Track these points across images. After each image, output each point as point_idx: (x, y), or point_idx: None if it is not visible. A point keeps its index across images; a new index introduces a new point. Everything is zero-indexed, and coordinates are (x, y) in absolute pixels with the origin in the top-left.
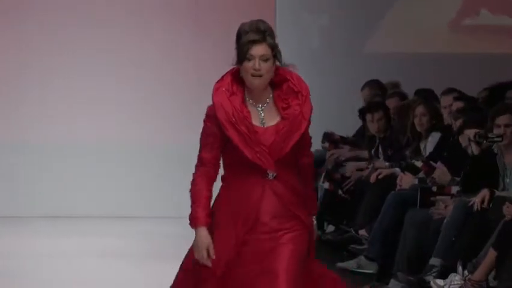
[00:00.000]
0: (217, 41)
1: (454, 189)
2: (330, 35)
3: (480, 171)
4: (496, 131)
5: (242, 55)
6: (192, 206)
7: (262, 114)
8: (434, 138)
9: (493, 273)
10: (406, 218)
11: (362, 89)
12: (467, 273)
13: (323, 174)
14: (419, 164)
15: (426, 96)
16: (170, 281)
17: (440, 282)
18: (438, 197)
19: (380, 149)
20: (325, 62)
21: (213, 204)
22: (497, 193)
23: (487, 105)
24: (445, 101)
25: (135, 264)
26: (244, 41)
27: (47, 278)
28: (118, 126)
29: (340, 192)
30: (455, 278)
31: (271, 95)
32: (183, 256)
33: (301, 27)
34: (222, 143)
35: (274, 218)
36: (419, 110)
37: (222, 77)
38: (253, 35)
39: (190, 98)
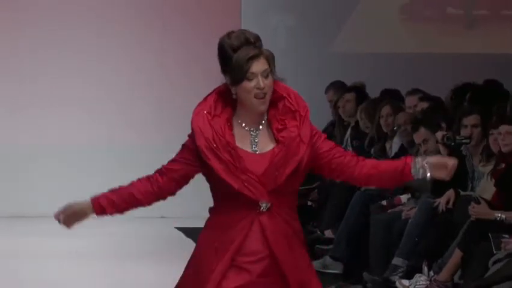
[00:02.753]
0: (183, 41)
1: (404, 198)
2: (296, 35)
3: None
4: (463, 132)
5: (241, 74)
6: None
7: (256, 140)
8: (399, 138)
9: (458, 273)
10: (372, 218)
11: (326, 91)
12: (432, 274)
13: None
14: None
15: (392, 96)
16: (134, 281)
17: (405, 282)
18: (390, 210)
19: (349, 140)
20: (291, 62)
21: (199, 237)
22: (462, 193)
23: (452, 105)
24: (410, 101)
25: (99, 265)
26: (241, 58)
27: (6, 278)
28: (79, 127)
29: (308, 202)
30: (421, 279)
31: (266, 117)
32: (148, 255)
33: (268, 28)
34: (193, 172)
35: (255, 262)
36: (385, 110)
37: (206, 97)
38: (249, 49)
39: (153, 98)
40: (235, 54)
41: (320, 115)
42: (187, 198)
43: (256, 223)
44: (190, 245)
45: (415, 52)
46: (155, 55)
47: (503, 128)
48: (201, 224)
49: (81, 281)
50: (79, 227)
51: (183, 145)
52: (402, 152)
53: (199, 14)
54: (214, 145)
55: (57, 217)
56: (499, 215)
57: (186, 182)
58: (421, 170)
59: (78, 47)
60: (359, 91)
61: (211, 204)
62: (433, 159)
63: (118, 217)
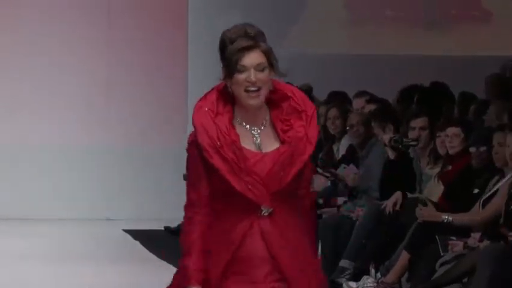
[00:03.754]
0: (130, 42)
1: (340, 200)
2: None
3: (396, 176)
4: (411, 135)
5: (232, 66)
6: (182, 259)
7: (259, 139)
8: (346, 141)
9: (406, 275)
10: (320, 221)
11: None
12: (380, 276)
13: None
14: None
15: (340, 99)
16: (80, 283)
17: (352, 284)
18: (324, 210)
19: None
20: None
21: None
22: (410, 196)
23: (400, 107)
24: (357, 103)
25: (43, 267)
26: (233, 49)
27: None
28: (29, 128)
29: None
30: (368, 281)
31: (268, 116)
32: (94, 257)
33: (214, 28)
34: (209, 174)
35: (252, 268)
36: (332, 112)
37: (205, 94)
38: (243, 41)
39: (99, 99)
40: (230, 46)
41: None
42: (134, 200)
43: (255, 226)
44: (137, 248)
45: (362, 54)
46: (100, 54)
47: (450, 131)
48: (148, 226)
49: (25, 283)
50: (24, 228)
51: (188, 163)
52: (350, 153)
53: (146, 17)
54: (219, 143)
55: None
56: (446, 217)
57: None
58: None
59: (23, 48)
60: (306, 93)
61: (159, 206)
62: None
63: (63, 219)
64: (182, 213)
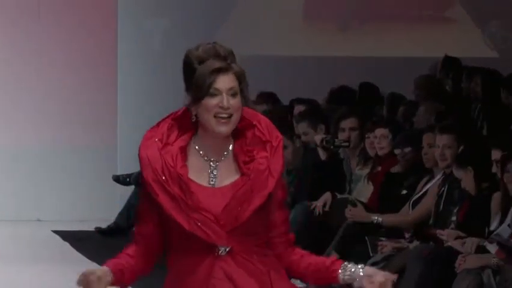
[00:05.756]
0: (58, 42)
1: None
2: (172, 37)
3: (326, 177)
4: (341, 136)
5: (202, 90)
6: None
7: (215, 172)
8: None
9: None
10: None
11: None
12: None
13: None
14: None
15: (269, 99)
16: (9, 284)
17: None
18: None
19: None
20: (168, 64)
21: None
22: (339, 196)
23: (329, 108)
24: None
25: None
26: (204, 71)
27: None
28: None
29: None
30: (297, 282)
31: (230, 147)
32: (23, 258)
33: (144, 31)
34: (157, 212)
35: None
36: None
37: (158, 123)
38: (216, 61)
39: (29, 99)
40: (199, 67)
41: None
42: (64, 201)
43: (217, 268)
44: (66, 248)
45: (290, 55)
46: (29, 56)
47: (379, 132)
48: (77, 227)
49: None
50: None
51: (139, 196)
52: None
53: (75, 20)
54: (163, 177)
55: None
56: (376, 217)
57: (163, 233)
58: (351, 277)
59: None
60: None
61: (89, 207)
62: (370, 271)
63: None
64: (113, 214)
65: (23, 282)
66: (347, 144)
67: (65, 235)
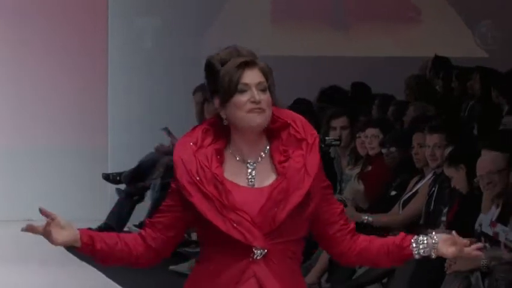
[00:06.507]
0: (47, 40)
1: None
2: (163, 36)
3: None
4: (332, 135)
5: (231, 87)
6: None
7: (253, 173)
8: None
9: (325, 276)
10: None
11: (194, 92)
12: None
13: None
14: None
15: None
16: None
17: None
18: None
19: None
20: (157, 63)
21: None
22: None
23: (320, 107)
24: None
25: None
26: (229, 68)
27: None
28: None
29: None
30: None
31: (267, 147)
32: (13, 260)
33: (134, 29)
34: (184, 218)
35: None
36: None
37: (193, 128)
38: (241, 58)
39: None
40: (223, 67)
41: (187, 116)
42: (55, 201)
43: (249, 273)
44: (58, 249)
45: (282, 55)
46: (18, 56)
47: (369, 131)
48: None
49: None
50: None
51: (168, 192)
52: None
53: (64, 19)
54: (197, 178)
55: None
56: (366, 217)
57: (177, 232)
58: (426, 248)
59: None
60: None
61: (80, 207)
62: (443, 236)
63: None
64: (104, 213)
65: (14, 282)
66: (338, 142)
67: None
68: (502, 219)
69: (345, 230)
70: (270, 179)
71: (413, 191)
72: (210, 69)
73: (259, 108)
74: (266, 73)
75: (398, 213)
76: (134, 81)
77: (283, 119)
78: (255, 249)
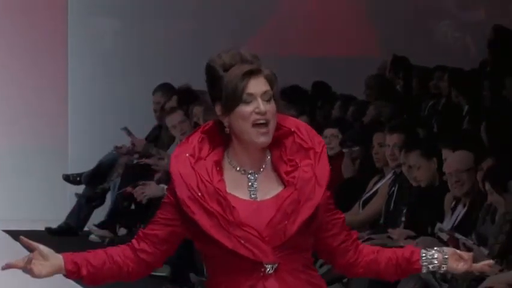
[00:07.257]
0: (9, 44)
1: None
2: (123, 37)
3: None
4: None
5: (235, 97)
6: None
7: (255, 184)
8: None
9: None
10: None
11: (154, 92)
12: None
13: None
14: None
15: None
16: None
17: None
18: None
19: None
20: (118, 65)
21: None
22: None
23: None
24: None
25: None
26: (234, 76)
27: None
28: None
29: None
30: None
31: (269, 158)
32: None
33: (94, 30)
34: (182, 233)
35: None
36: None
37: (187, 137)
38: (244, 65)
39: None
40: (226, 74)
41: (146, 116)
42: (15, 200)
43: (260, 287)
44: (18, 248)
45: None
46: None
47: (328, 131)
48: (28, 226)
49: None
50: None
51: (162, 202)
52: None
53: (24, 15)
54: (199, 193)
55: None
56: None
57: (171, 246)
58: (436, 264)
59: None
60: (186, 93)
61: (40, 207)
62: (450, 251)
63: None
64: (64, 213)
65: None
66: None
67: (16, 235)
68: (468, 218)
69: (349, 240)
70: (274, 190)
71: (373, 190)
72: (212, 74)
73: (264, 121)
74: (271, 81)
75: (358, 213)
76: (95, 82)
77: (287, 127)
78: (266, 264)
